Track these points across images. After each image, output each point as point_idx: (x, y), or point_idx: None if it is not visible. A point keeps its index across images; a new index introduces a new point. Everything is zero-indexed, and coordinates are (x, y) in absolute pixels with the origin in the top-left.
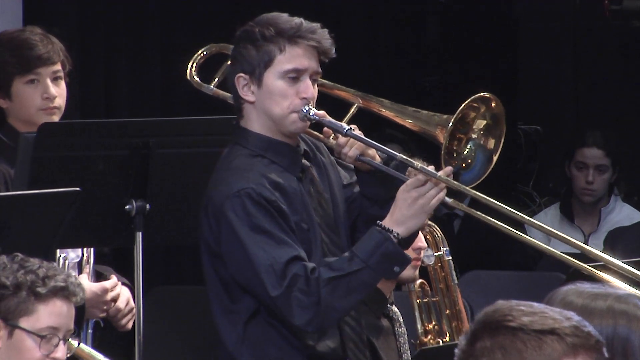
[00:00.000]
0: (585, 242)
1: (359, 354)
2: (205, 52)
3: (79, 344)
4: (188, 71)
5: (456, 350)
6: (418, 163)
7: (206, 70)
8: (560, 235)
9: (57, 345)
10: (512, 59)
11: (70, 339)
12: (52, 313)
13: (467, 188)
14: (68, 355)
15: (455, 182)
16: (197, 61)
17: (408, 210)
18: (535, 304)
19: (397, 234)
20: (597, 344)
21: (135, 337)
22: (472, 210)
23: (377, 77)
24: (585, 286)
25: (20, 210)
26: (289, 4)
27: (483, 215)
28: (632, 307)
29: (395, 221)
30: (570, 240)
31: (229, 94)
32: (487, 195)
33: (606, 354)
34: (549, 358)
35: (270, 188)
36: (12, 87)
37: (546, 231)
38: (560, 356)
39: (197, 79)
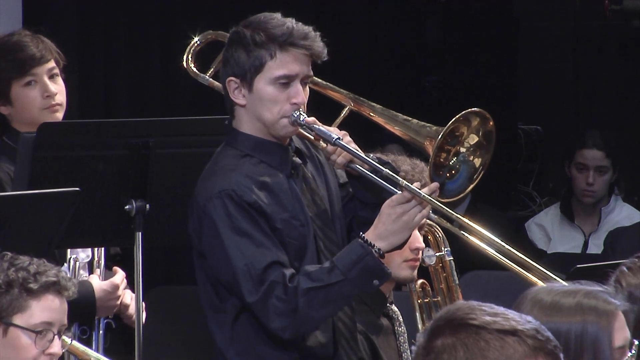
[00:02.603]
0: (586, 242)
1: (350, 351)
2: (200, 41)
3: (71, 340)
4: (184, 59)
5: (414, 347)
6: (403, 181)
7: (203, 59)
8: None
9: (52, 340)
10: (512, 59)
11: (64, 337)
12: (45, 308)
13: (452, 211)
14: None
15: (439, 204)
16: (193, 49)
17: (391, 226)
18: (496, 306)
19: (379, 249)
20: (555, 348)
21: (135, 337)
22: (458, 230)
23: (377, 77)
24: (557, 284)
25: (20, 210)
26: (289, 3)
27: (467, 236)
28: (602, 302)
29: (378, 236)
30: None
31: None
32: (487, 194)
33: (562, 356)
34: (510, 359)
35: (254, 189)
36: (11, 92)
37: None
38: (521, 357)
39: (194, 68)
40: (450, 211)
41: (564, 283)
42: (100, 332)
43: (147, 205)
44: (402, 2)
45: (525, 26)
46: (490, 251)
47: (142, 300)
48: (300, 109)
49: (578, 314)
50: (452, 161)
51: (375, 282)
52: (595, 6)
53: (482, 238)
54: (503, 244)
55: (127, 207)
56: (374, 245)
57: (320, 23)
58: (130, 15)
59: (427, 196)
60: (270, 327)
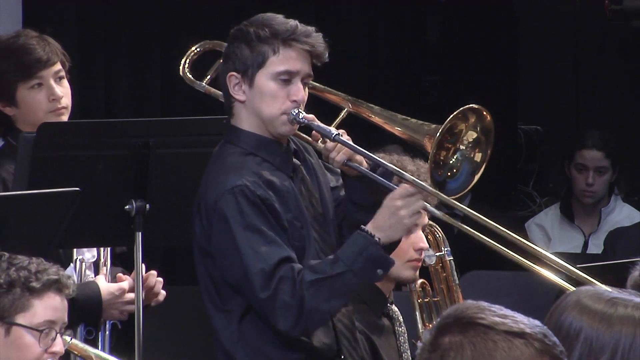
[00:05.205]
0: (586, 243)
1: (352, 351)
2: (198, 49)
3: (71, 339)
4: (181, 67)
5: (420, 344)
6: (409, 175)
7: (201, 67)
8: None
9: (54, 339)
10: (512, 58)
11: (64, 335)
12: (47, 307)
13: (457, 202)
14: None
15: (444, 196)
16: (190, 58)
17: (391, 219)
18: (505, 308)
19: (379, 238)
20: (561, 354)
21: (135, 337)
22: (463, 225)
23: (377, 77)
24: (602, 290)
25: (20, 210)
26: (289, 4)
27: (472, 230)
28: None
29: (378, 228)
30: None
31: (220, 92)
32: (487, 194)
33: None
34: None
35: (263, 186)
36: (17, 95)
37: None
38: None
39: (190, 76)
40: (458, 204)
41: (606, 288)
42: (107, 332)
43: (147, 205)
44: (402, 2)
45: (525, 26)
46: (498, 246)
47: (143, 300)
48: (300, 107)
49: (630, 325)
50: (452, 160)
51: (379, 272)
52: (595, 6)
53: (490, 232)
54: (514, 235)
55: (127, 207)
56: (374, 235)
57: (320, 24)
58: (130, 16)
59: (430, 188)
60: (278, 327)
